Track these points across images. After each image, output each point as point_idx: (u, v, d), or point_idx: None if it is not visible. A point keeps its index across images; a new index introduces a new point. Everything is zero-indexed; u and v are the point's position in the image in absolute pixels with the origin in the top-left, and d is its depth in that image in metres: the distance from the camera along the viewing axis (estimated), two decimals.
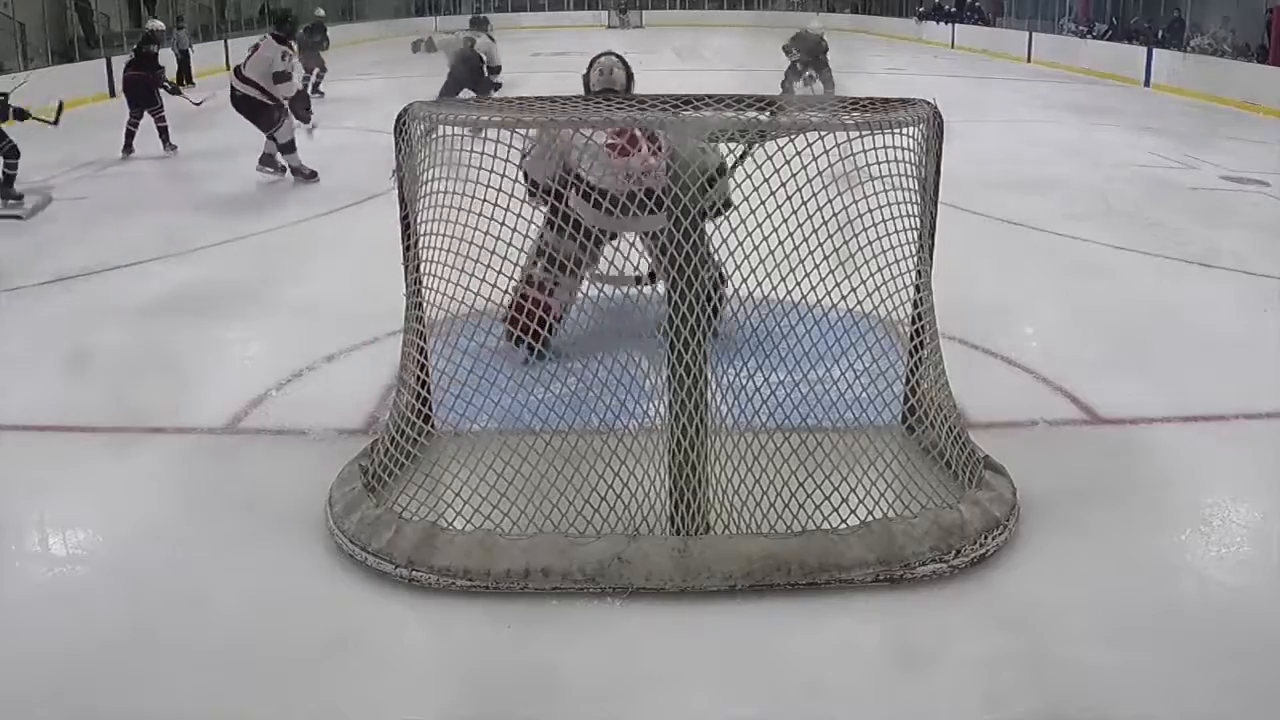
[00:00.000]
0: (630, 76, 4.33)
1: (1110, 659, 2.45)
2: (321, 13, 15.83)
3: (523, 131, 2.85)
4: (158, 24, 10.55)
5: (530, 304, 3.64)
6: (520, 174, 3.18)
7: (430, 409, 3.23)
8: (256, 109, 7.70)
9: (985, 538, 2.80)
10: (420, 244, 3.05)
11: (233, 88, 7.78)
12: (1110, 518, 3.03)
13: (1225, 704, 2.34)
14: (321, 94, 13.13)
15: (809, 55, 12.36)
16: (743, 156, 3.13)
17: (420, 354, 3.12)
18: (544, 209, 3.53)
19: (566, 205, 3.26)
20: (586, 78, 4.34)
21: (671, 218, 2.66)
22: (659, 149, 3.55)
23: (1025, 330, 4.68)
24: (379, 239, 4.07)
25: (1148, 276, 5.64)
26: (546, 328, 3.68)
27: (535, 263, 3.55)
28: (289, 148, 7.85)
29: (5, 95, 7.30)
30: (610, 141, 3.59)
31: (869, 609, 2.63)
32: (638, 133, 3.59)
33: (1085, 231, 6.44)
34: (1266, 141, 10.35)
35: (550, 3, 34.52)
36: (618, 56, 4.36)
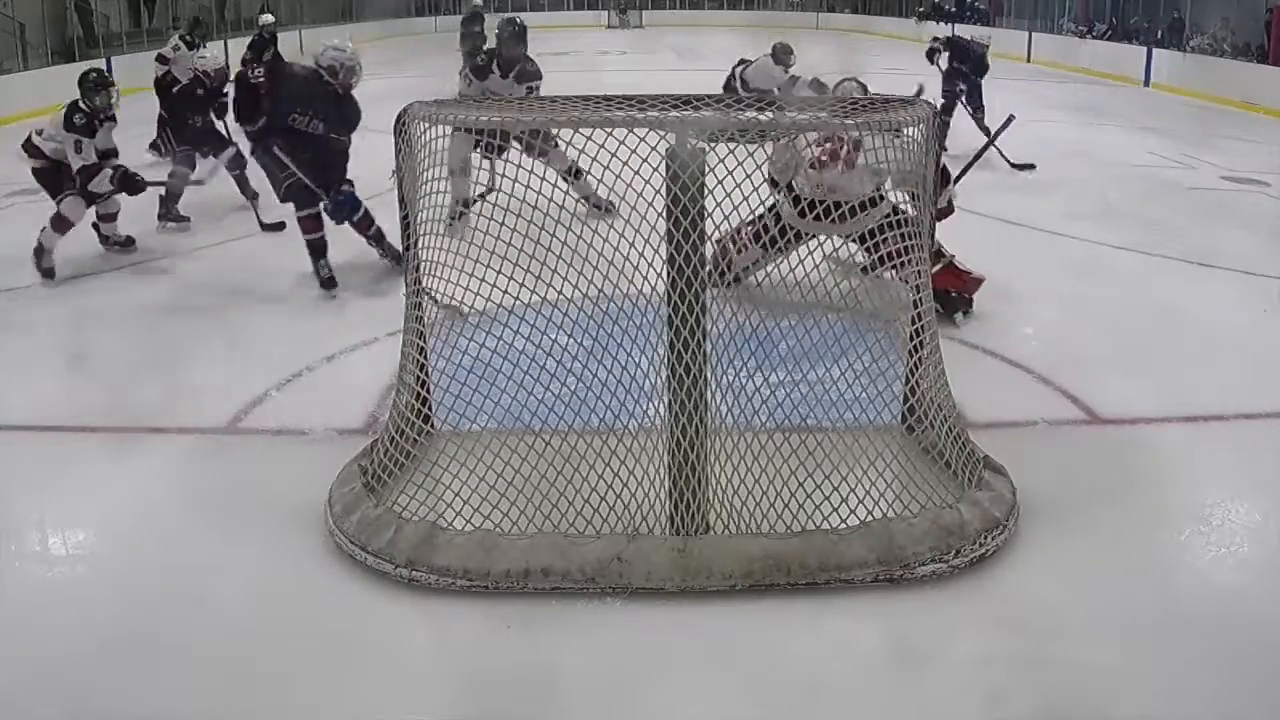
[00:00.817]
0: None
1: (1110, 659, 2.45)
2: (479, 2, 14.56)
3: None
4: (268, 18, 10.15)
5: (729, 241, 3.64)
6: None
7: (430, 409, 3.23)
8: None
9: (985, 538, 2.80)
10: (420, 244, 3.05)
11: None
12: (1110, 517, 3.03)
13: (1225, 704, 2.34)
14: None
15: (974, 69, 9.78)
16: (965, 169, 3.24)
17: (420, 354, 3.12)
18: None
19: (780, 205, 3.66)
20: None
21: (671, 218, 2.66)
22: (850, 165, 4.03)
23: (1025, 330, 4.68)
24: None
25: (1148, 276, 5.63)
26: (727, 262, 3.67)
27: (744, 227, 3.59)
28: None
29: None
30: (818, 154, 4.12)
31: (869, 609, 2.63)
32: (841, 151, 4.07)
33: (1085, 231, 6.43)
34: (1266, 141, 10.33)
35: (550, 3, 34.50)
36: (859, 82, 4.59)
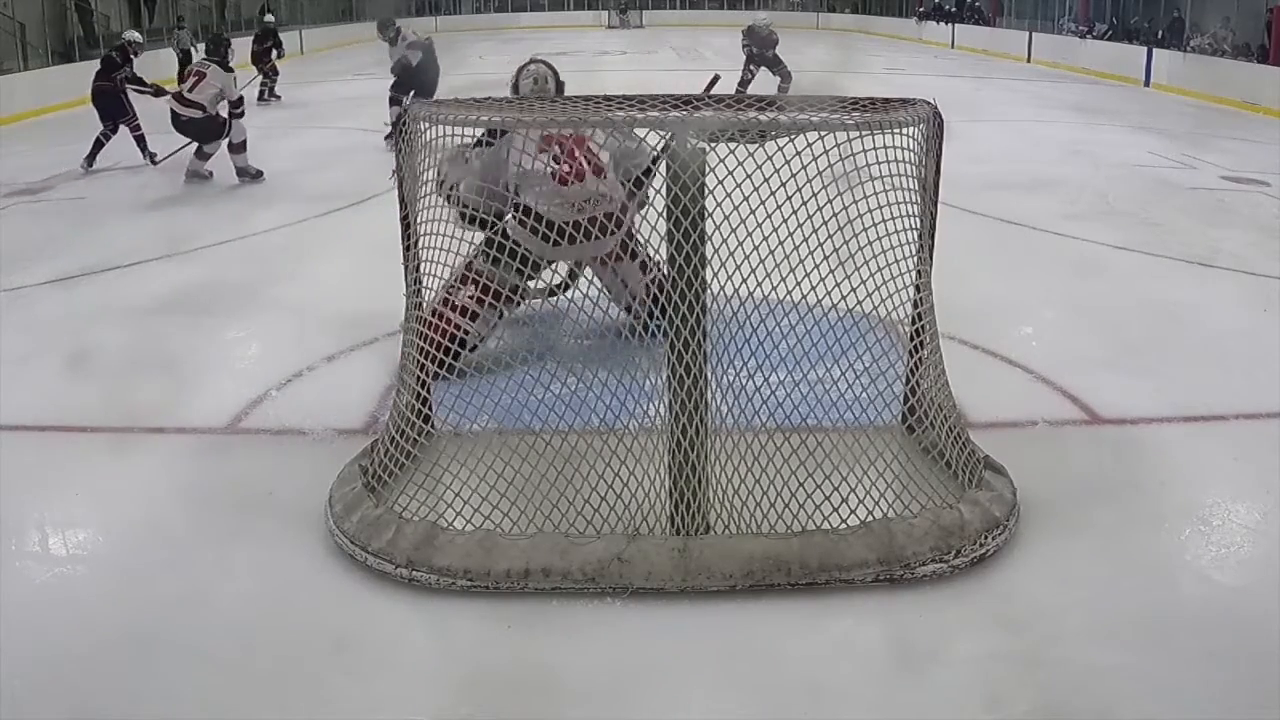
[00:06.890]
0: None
1: (1110, 659, 2.45)
2: None
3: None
4: (269, 19, 11.21)
5: (450, 326, 3.52)
6: (445, 197, 3.30)
7: (430, 409, 3.23)
8: None
9: (985, 538, 2.80)
10: (420, 244, 3.05)
11: None
12: (1110, 518, 3.03)
13: (1225, 704, 2.34)
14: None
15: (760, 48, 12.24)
16: None
17: (420, 354, 3.11)
18: (477, 233, 3.49)
19: (503, 235, 3.41)
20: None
21: (672, 217, 2.66)
22: (605, 174, 3.65)
23: (1025, 330, 4.68)
24: (379, 239, 4.07)
25: (1148, 276, 5.63)
26: (454, 354, 3.27)
27: (459, 288, 3.51)
28: None
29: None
30: (553, 169, 3.61)
31: (869, 609, 2.63)
32: (584, 160, 3.59)
33: (1085, 231, 6.44)
34: (1266, 141, 10.34)
35: (550, 3, 34.52)
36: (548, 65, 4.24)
